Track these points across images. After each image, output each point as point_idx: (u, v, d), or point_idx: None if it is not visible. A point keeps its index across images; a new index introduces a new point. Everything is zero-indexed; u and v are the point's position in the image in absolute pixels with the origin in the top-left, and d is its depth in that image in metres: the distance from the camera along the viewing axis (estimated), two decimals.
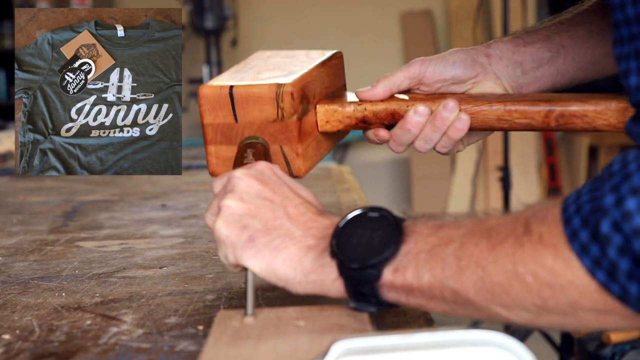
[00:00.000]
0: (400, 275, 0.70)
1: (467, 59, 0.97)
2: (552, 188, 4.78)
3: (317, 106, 0.96)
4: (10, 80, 5.17)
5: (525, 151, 4.66)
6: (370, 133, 0.97)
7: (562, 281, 0.62)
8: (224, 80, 0.94)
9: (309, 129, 0.94)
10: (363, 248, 0.71)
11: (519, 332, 2.61)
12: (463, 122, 0.91)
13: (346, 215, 0.75)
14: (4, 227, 1.37)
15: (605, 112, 0.89)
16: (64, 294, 0.92)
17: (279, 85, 0.90)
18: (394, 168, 5.29)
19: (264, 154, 0.89)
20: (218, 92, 0.91)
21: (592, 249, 0.60)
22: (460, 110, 0.91)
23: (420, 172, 4.96)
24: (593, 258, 0.60)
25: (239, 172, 0.79)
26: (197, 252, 1.12)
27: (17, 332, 0.79)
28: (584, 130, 0.91)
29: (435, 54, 0.98)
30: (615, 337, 1.81)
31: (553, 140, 4.83)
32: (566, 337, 2.39)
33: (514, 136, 4.09)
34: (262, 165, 0.81)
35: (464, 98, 0.94)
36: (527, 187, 4.64)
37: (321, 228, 0.76)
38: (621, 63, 0.64)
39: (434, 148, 0.94)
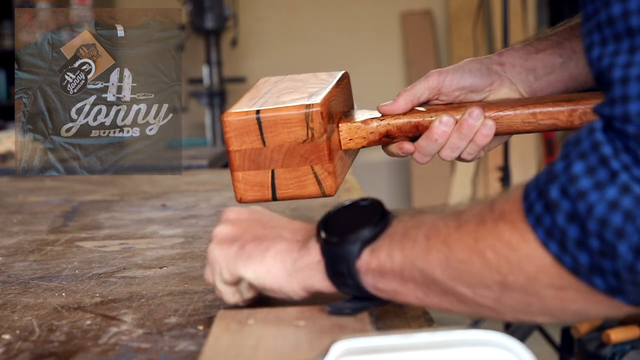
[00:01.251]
0: (375, 257, 0.71)
1: (482, 67, 0.99)
2: None
3: (340, 124, 0.96)
4: (10, 80, 5.17)
5: (525, 151, 4.66)
6: (394, 147, 0.98)
7: (519, 255, 0.63)
8: (244, 107, 0.93)
9: (335, 147, 0.94)
10: (345, 227, 0.74)
11: (519, 332, 2.61)
12: (489, 128, 0.93)
13: (338, 204, 0.78)
14: (4, 227, 1.37)
15: None
16: (64, 294, 0.92)
17: (308, 106, 0.90)
18: (394, 168, 5.29)
19: None
20: (244, 119, 0.90)
21: (545, 219, 0.61)
22: (485, 116, 0.93)
23: (420, 172, 4.95)
24: (546, 229, 0.61)
25: (231, 208, 0.83)
26: (197, 252, 1.11)
27: (17, 332, 0.79)
28: None
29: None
30: (615, 337, 1.80)
31: (553, 140, 4.83)
32: (566, 337, 2.38)
33: (514, 136, 4.08)
34: (256, 206, 0.85)
35: (486, 105, 0.96)
36: None
37: (310, 229, 0.78)
38: (586, 39, 0.64)
39: (459, 156, 0.96)
